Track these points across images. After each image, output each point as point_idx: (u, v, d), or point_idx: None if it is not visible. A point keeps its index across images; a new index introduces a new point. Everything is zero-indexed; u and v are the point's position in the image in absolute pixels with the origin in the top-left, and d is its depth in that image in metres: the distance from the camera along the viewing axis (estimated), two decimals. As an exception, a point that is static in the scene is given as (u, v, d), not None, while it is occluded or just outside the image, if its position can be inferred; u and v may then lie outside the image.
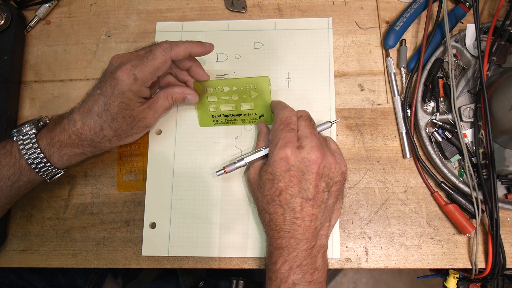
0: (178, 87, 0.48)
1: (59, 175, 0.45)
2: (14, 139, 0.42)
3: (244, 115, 0.49)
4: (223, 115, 0.50)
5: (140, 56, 0.42)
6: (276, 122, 0.44)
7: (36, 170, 0.42)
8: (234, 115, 0.50)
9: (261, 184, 0.42)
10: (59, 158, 0.43)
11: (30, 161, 0.42)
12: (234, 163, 0.46)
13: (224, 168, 0.46)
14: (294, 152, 0.40)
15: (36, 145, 0.42)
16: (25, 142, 0.42)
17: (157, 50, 0.42)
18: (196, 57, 0.48)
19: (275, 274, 0.39)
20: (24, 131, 0.42)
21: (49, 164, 0.43)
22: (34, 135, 0.42)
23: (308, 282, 0.39)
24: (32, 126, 0.43)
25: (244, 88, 0.48)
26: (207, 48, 0.46)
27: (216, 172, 0.46)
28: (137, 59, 0.42)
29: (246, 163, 0.45)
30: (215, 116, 0.50)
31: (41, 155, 0.42)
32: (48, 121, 0.46)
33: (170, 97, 0.47)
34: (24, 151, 0.41)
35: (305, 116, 0.44)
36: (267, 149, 0.45)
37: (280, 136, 0.42)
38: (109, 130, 0.43)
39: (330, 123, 0.47)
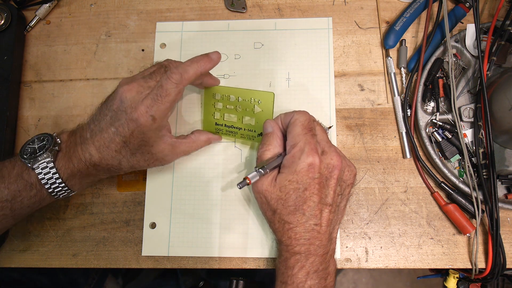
0: (205, 135, 0.48)
1: (72, 194, 0.44)
2: (31, 166, 0.40)
3: (244, 129, 0.48)
4: (225, 125, 0.49)
5: (152, 94, 0.40)
6: (296, 126, 0.41)
7: (56, 197, 0.42)
8: (235, 128, 0.48)
9: (282, 196, 0.40)
10: (80, 187, 0.43)
11: (53, 193, 0.41)
12: (256, 171, 0.41)
13: (247, 178, 0.40)
14: (320, 158, 0.40)
15: (57, 175, 0.40)
16: (43, 172, 0.40)
17: (168, 84, 0.40)
18: None
19: (291, 278, 0.39)
20: (41, 160, 0.39)
21: (69, 191, 0.42)
22: (52, 164, 0.40)
23: (323, 287, 0.39)
24: (49, 153, 0.40)
25: (249, 100, 0.46)
26: (215, 60, 0.43)
27: (238, 184, 0.41)
28: (151, 99, 0.40)
29: (268, 171, 0.41)
30: (218, 125, 0.49)
31: (65, 188, 0.41)
32: (59, 141, 0.42)
33: (195, 145, 0.47)
34: (44, 181, 0.40)
35: (317, 121, 0.44)
36: (284, 156, 0.42)
37: (306, 141, 0.40)
38: (126, 164, 0.42)
39: (328, 129, 0.47)
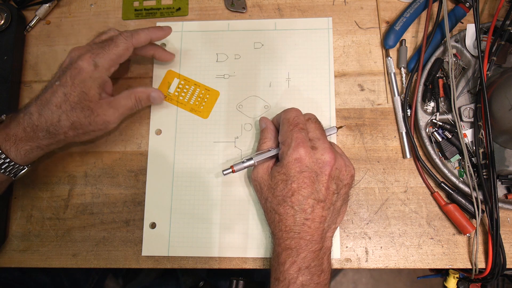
0: (141, 87, 0.48)
1: (23, 171, 0.44)
2: None
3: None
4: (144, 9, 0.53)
5: (101, 45, 0.43)
6: (284, 124, 0.43)
7: None
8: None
9: (272, 184, 0.42)
10: (16, 153, 0.42)
11: None
12: (243, 162, 0.44)
13: (232, 167, 0.44)
14: (308, 152, 0.40)
15: None
16: None
17: (119, 38, 0.44)
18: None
19: (283, 274, 0.39)
20: None
21: (8, 160, 0.42)
22: None
23: (316, 284, 0.39)
24: None
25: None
26: (166, 31, 0.48)
27: (223, 171, 0.45)
28: (98, 48, 0.43)
29: (255, 163, 0.44)
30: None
31: (1, 154, 0.41)
32: (4, 119, 0.44)
33: (133, 96, 0.46)
34: None
35: (313, 119, 0.44)
36: (277, 149, 0.44)
37: (292, 137, 0.41)
38: (66, 121, 0.42)
39: (336, 129, 0.47)
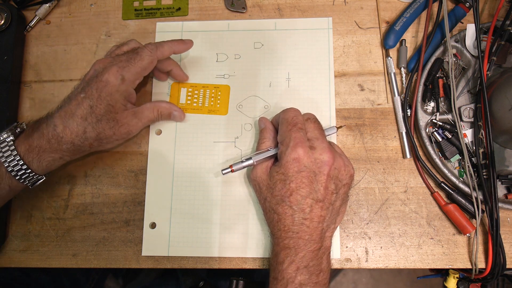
0: (166, 103, 0.49)
1: (41, 181, 0.44)
2: None
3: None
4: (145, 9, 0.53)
5: (126, 57, 0.44)
6: (282, 124, 0.43)
7: (16, 178, 0.42)
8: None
9: (271, 184, 0.42)
10: (38, 164, 0.42)
11: (10, 168, 0.41)
12: (242, 161, 0.45)
13: (231, 166, 0.45)
14: (307, 152, 0.40)
15: (15, 152, 0.41)
16: (3, 150, 0.41)
17: (144, 51, 0.44)
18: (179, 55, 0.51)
19: (281, 274, 0.39)
20: (1, 138, 0.42)
21: (29, 170, 0.42)
22: (12, 142, 0.41)
23: (314, 283, 0.39)
24: (10, 133, 0.42)
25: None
26: (188, 44, 0.49)
27: (222, 170, 0.45)
28: (125, 61, 0.43)
29: (254, 162, 0.44)
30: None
31: (21, 162, 0.41)
32: (25, 127, 0.44)
33: (156, 110, 0.47)
34: (3, 159, 0.41)
35: (313, 119, 0.44)
36: (276, 149, 0.44)
37: (291, 137, 0.41)
38: (92, 132, 0.42)
39: (336, 128, 0.47)
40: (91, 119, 0.42)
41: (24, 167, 0.41)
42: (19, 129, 0.43)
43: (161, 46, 0.46)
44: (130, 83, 0.44)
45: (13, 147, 0.41)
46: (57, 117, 0.42)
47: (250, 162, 0.44)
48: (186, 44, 0.48)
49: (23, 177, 0.42)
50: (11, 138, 0.42)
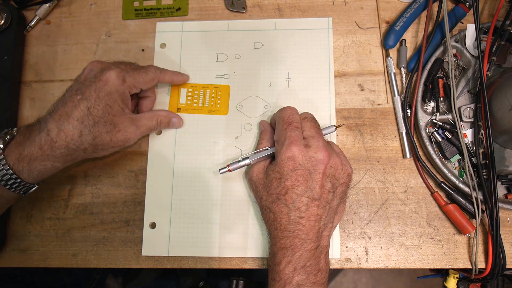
0: (164, 111, 0.49)
1: (34, 188, 0.43)
2: None
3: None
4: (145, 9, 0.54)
5: (131, 67, 0.45)
6: (279, 123, 0.44)
7: (7, 187, 0.40)
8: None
9: (267, 183, 0.42)
10: (29, 173, 0.41)
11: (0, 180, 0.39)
12: (239, 161, 0.45)
13: (228, 166, 0.45)
14: (302, 151, 0.40)
15: (4, 162, 0.39)
16: None
17: (150, 68, 0.46)
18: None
19: (279, 275, 0.39)
20: None
21: (19, 180, 0.40)
22: (0, 151, 0.40)
23: (312, 283, 0.39)
24: None
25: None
26: (185, 77, 0.51)
27: (220, 170, 0.46)
28: (129, 69, 0.44)
29: (251, 162, 0.45)
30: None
31: (10, 172, 0.39)
32: (15, 134, 0.42)
33: (155, 118, 0.48)
34: None
35: (310, 118, 0.45)
36: (272, 148, 0.45)
37: (286, 135, 0.42)
38: (88, 136, 0.41)
39: (335, 127, 0.47)
40: (88, 121, 0.41)
41: (14, 176, 0.40)
42: (8, 136, 0.41)
43: (165, 71, 0.48)
44: (130, 86, 0.44)
45: (1, 156, 0.40)
46: (51, 121, 0.40)
47: (247, 161, 0.45)
48: (183, 77, 0.51)
49: (13, 186, 0.41)
50: (0, 146, 0.40)
